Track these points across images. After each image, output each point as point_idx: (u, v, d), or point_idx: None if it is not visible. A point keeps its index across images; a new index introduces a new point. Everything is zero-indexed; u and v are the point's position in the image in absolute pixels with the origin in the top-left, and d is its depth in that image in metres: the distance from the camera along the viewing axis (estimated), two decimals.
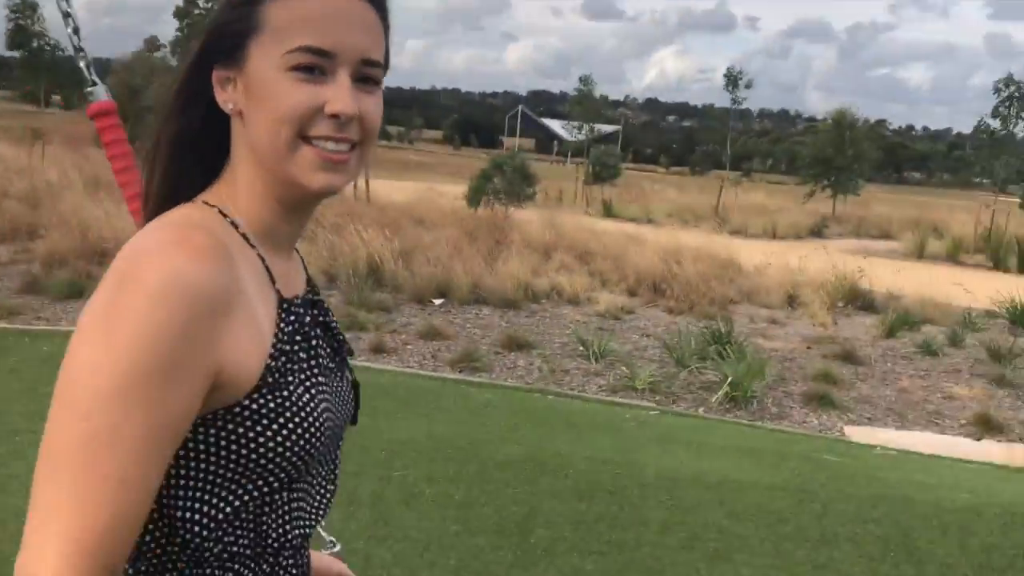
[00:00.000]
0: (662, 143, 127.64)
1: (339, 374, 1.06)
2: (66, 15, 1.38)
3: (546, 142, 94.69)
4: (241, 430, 0.89)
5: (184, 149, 1.00)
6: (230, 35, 0.95)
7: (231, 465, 0.90)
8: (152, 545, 0.92)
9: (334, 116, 0.92)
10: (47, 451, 0.82)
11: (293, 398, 0.92)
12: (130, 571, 0.93)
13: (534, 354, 7.72)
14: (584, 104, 28.53)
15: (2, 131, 24.00)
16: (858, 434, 6.64)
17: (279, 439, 0.91)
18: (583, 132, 28.87)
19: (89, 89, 1.33)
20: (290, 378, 0.93)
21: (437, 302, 9.24)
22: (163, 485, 0.88)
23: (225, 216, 0.96)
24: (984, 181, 33.81)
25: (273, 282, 0.97)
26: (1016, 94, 22.08)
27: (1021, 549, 3.85)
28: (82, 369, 0.82)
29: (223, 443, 0.89)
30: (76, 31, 1.34)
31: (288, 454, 0.92)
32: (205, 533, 0.91)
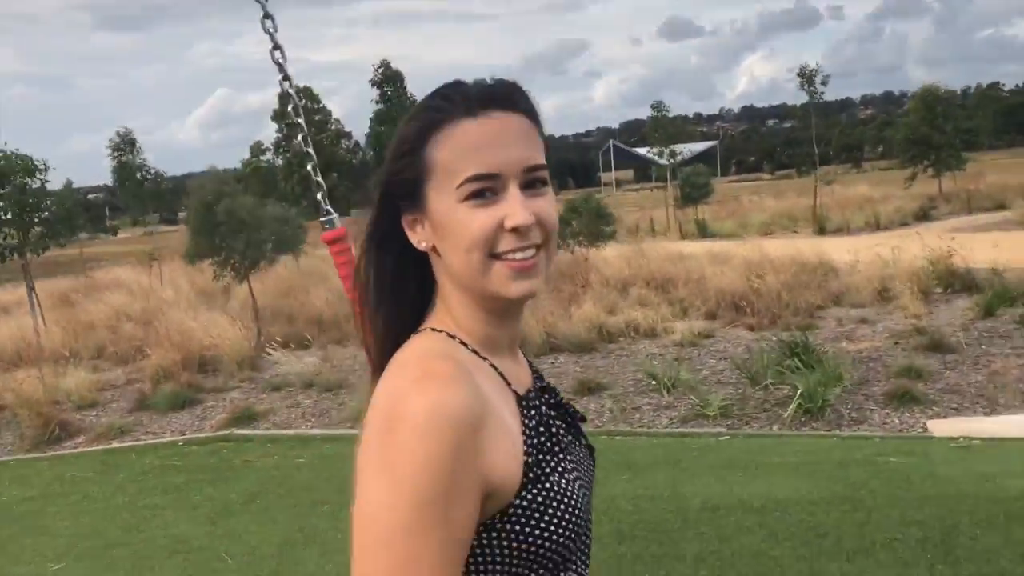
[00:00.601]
0: (764, 149, 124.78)
1: (577, 442, 1.15)
2: (308, 155, 1.71)
3: (644, 170, 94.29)
4: (518, 527, 0.98)
5: (392, 287, 1.12)
6: (405, 184, 1.05)
7: (515, 560, 0.99)
8: None
9: (514, 230, 1.01)
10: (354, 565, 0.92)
11: (553, 484, 1.01)
12: None
13: (605, 396, 7.81)
14: (661, 129, 28.45)
15: (126, 256, 25.95)
16: (941, 428, 6.41)
17: (552, 526, 0.99)
18: (665, 157, 28.75)
19: (324, 219, 1.58)
20: (546, 469, 1.02)
21: None
22: None
23: (453, 337, 1.06)
24: None
25: (508, 384, 1.07)
26: None
27: None
28: (376, 508, 0.91)
29: (504, 542, 0.98)
30: (315, 168, 1.66)
31: (561, 537, 1.00)
32: None
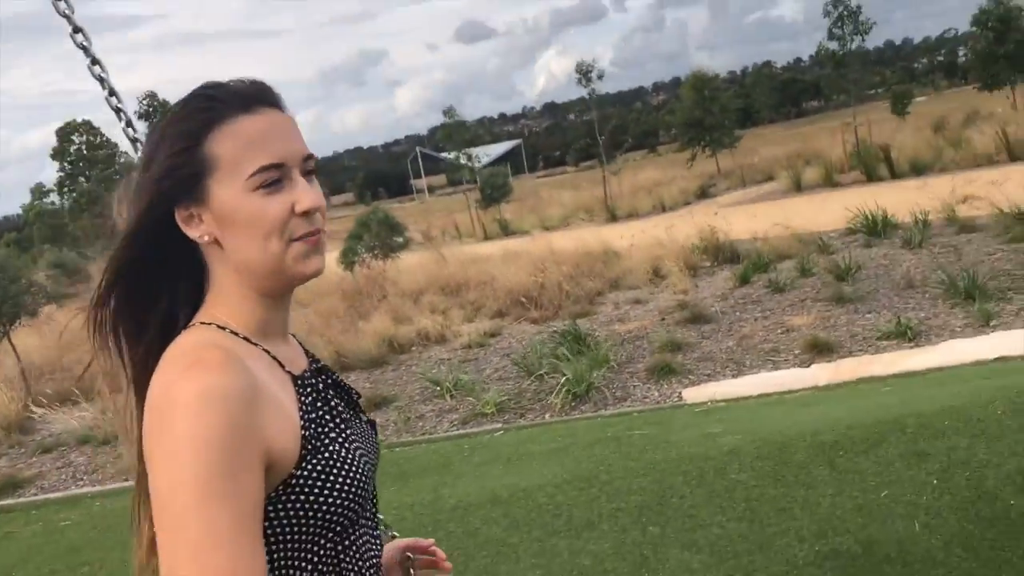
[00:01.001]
0: (566, 143, 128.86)
1: (358, 419, 1.24)
2: (137, 141, 1.50)
3: (454, 175, 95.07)
4: (302, 496, 1.05)
5: (167, 285, 1.15)
6: (183, 179, 1.08)
7: (303, 528, 1.06)
8: None
9: (305, 213, 1.08)
10: (166, 568, 0.95)
11: (332, 454, 1.08)
12: None
13: (391, 408, 7.88)
14: (455, 135, 28.91)
15: None
16: (694, 395, 6.90)
17: (336, 492, 1.07)
18: (463, 160, 29.25)
19: None
20: (325, 440, 1.09)
21: None
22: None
23: (223, 328, 1.10)
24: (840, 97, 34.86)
25: (282, 366, 1.13)
26: (845, 12, 22.91)
27: (765, 478, 4.10)
28: (166, 494, 0.95)
29: (291, 512, 1.05)
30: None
31: (346, 501, 1.08)
32: None
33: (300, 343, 1.26)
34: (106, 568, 5.17)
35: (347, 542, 1.11)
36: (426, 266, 14.74)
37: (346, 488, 1.08)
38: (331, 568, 1.10)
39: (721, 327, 8.66)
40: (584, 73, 24.25)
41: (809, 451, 4.22)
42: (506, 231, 25.39)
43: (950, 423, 4.14)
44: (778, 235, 12.70)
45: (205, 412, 0.97)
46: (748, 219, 14.16)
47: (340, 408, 1.19)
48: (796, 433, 4.53)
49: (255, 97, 1.10)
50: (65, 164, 74.80)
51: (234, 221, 1.08)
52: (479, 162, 32.27)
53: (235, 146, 1.07)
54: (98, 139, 75.70)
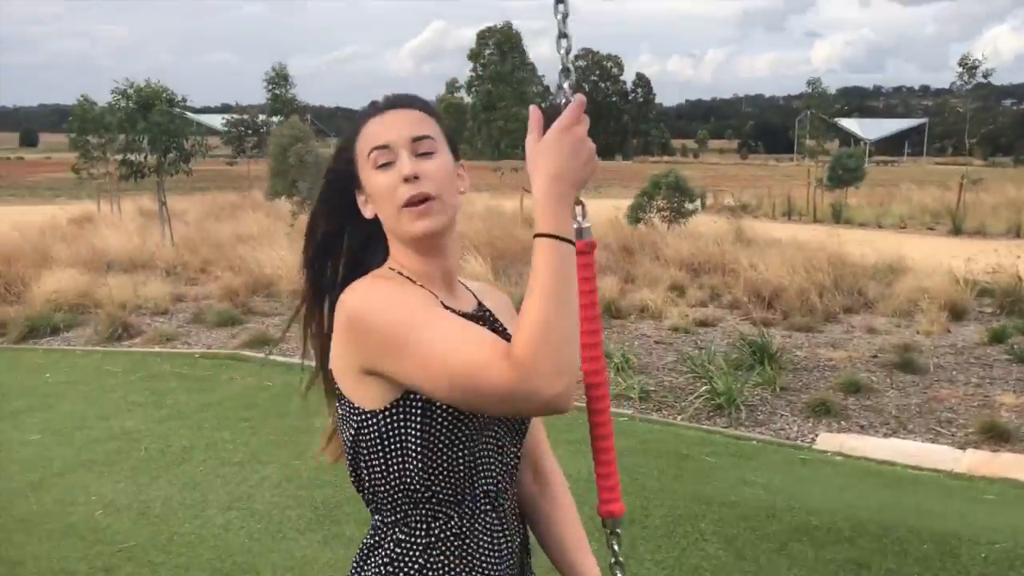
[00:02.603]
0: (990, 132, 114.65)
1: None
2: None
3: (846, 142, 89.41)
4: (428, 400, 1.27)
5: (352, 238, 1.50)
6: (350, 172, 1.44)
7: (425, 429, 1.28)
8: (385, 497, 1.33)
9: (405, 179, 1.35)
10: (427, 365, 1.20)
11: None
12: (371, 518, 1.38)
13: None
14: (812, 105, 27.50)
15: None
16: (827, 441, 6.69)
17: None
18: (816, 138, 27.83)
19: (576, 227, 1.35)
20: None
21: None
22: (387, 453, 1.30)
23: (393, 270, 1.41)
24: None
25: (443, 304, 1.35)
26: None
27: (710, 542, 4.21)
28: (394, 343, 1.23)
29: (419, 415, 1.28)
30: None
31: (462, 415, 1.28)
32: (418, 481, 1.31)
33: (474, 294, 1.52)
34: (257, 430, 6.44)
35: (462, 454, 1.31)
36: (704, 238, 14.79)
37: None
38: (444, 472, 1.30)
39: (921, 382, 8.06)
40: (968, 68, 21.78)
41: (780, 528, 4.23)
42: (838, 219, 24.06)
43: (901, 541, 3.92)
44: None
45: (379, 279, 1.33)
46: None
47: None
48: (793, 508, 4.50)
49: (387, 104, 1.42)
50: (478, 66, 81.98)
51: (371, 195, 1.40)
52: (866, 135, 30.38)
53: (364, 141, 1.40)
54: (509, 47, 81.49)
